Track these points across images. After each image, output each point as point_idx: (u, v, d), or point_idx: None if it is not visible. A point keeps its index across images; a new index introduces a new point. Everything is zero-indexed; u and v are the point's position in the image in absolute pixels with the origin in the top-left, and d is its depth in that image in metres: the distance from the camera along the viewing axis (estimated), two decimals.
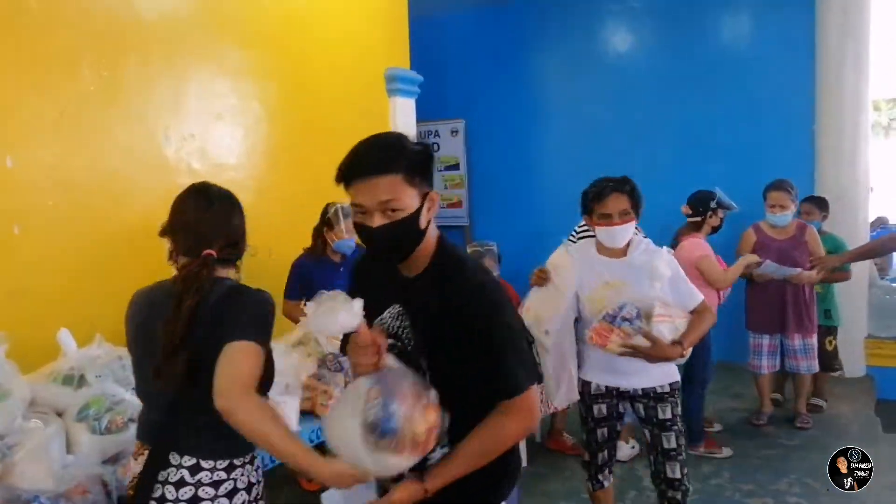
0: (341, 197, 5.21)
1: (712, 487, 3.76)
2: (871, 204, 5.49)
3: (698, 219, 4.13)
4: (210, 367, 1.53)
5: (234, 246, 1.78)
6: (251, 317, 1.61)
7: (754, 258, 4.15)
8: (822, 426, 4.55)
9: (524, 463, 4.07)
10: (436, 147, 7.35)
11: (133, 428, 2.34)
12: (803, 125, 5.66)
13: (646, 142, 6.30)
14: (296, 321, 3.25)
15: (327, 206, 3.61)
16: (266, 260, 4.24)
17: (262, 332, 1.60)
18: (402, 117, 5.28)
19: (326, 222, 3.57)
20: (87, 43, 3.03)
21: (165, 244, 3.49)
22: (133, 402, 2.38)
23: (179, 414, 1.60)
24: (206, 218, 1.75)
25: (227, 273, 1.76)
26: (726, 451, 4.15)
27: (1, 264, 2.69)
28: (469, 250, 3.97)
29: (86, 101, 3.02)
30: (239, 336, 1.55)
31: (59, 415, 2.25)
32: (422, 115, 5.95)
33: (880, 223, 4.90)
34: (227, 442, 1.59)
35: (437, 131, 7.30)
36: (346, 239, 3.53)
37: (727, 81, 5.93)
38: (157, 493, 1.59)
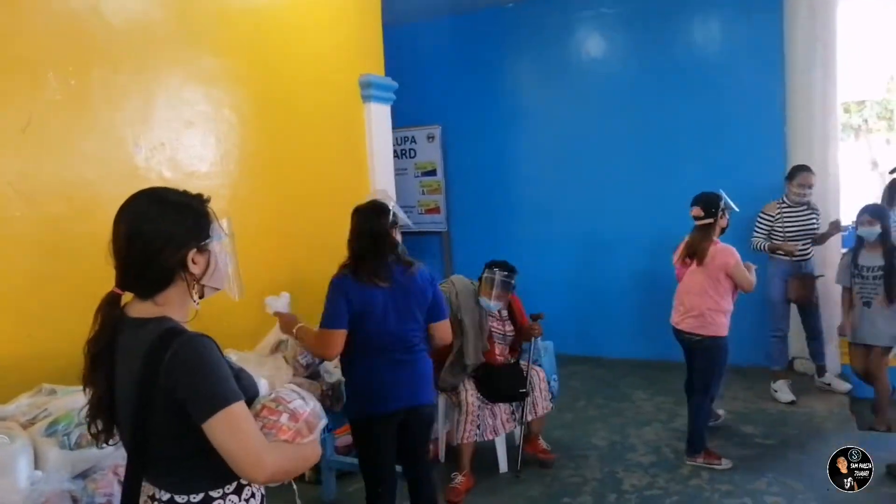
0: (316, 205, 5.20)
1: (691, 489, 3.78)
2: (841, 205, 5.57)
3: (710, 220, 4.02)
4: (152, 423, 1.40)
5: (139, 272, 1.47)
6: (205, 380, 1.39)
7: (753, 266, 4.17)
8: (797, 425, 4.60)
9: (503, 468, 4.07)
10: (412, 153, 7.35)
11: None
12: (774, 129, 5.75)
13: (619, 146, 6.35)
14: (330, 358, 2.85)
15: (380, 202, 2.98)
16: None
17: (223, 386, 1.40)
18: (378, 124, 5.27)
19: (392, 220, 2.90)
20: (54, 51, 2.97)
21: None
22: None
23: (141, 454, 1.46)
24: (112, 240, 1.49)
25: (150, 309, 1.48)
26: (725, 463, 4.02)
27: None
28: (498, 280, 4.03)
29: (53, 110, 2.96)
30: (210, 409, 1.37)
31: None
32: (398, 122, 5.95)
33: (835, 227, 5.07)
34: (197, 475, 1.47)
35: (413, 137, 7.30)
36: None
37: (699, 87, 6.00)
38: None
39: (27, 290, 2.80)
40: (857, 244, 4.63)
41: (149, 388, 1.38)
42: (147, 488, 1.50)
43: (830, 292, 5.20)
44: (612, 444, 4.46)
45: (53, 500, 2.07)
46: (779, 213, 5.10)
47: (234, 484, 1.51)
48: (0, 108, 2.76)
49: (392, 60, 5.56)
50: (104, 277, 3.22)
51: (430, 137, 7.23)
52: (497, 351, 4.12)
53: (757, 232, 5.17)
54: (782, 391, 5.08)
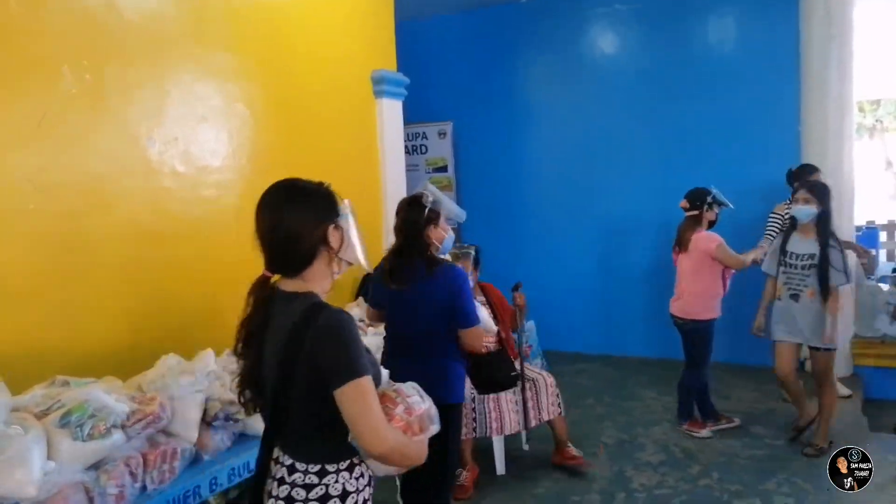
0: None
1: (700, 488, 3.76)
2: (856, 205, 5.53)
3: (696, 212, 4.35)
4: (291, 395, 1.57)
5: (286, 252, 1.65)
6: (346, 350, 1.54)
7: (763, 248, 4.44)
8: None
9: (500, 471, 4.03)
10: (424, 149, 7.35)
11: (115, 434, 2.33)
12: (789, 127, 5.71)
13: (632, 144, 6.33)
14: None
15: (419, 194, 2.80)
16: None
17: (359, 360, 1.55)
18: (389, 119, 5.28)
19: (429, 216, 2.72)
20: (70, 47, 3.00)
21: (149, 249, 3.48)
22: (115, 409, 2.36)
23: (275, 418, 1.62)
24: (258, 229, 1.67)
25: (299, 284, 1.66)
26: (705, 433, 4.41)
27: None
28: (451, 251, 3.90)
29: (68, 104, 2.98)
30: (347, 377, 1.51)
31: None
32: (409, 118, 5.96)
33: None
34: (318, 446, 1.62)
35: (424, 133, 7.30)
36: (449, 235, 2.83)
37: (713, 84, 5.96)
38: (268, 488, 1.65)
39: (43, 283, 2.83)
40: (790, 226, 4.20)
41: (294, 354, 1.55)
42: (274, 451, 1.67)
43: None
44: (620, 443, 4.45)
45: (66, 491, 2.10)
46: (787, 214, 4.87)
47: (348, 462, 1.63)
48: (16, 102, 2.79)
49: (404, 56, 5.56)
50: (118, 270, 3.25)
51: (442, 134, 7.22)
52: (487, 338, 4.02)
53: (769, 233, 5.06)
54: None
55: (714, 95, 5.95)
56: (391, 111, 5.31)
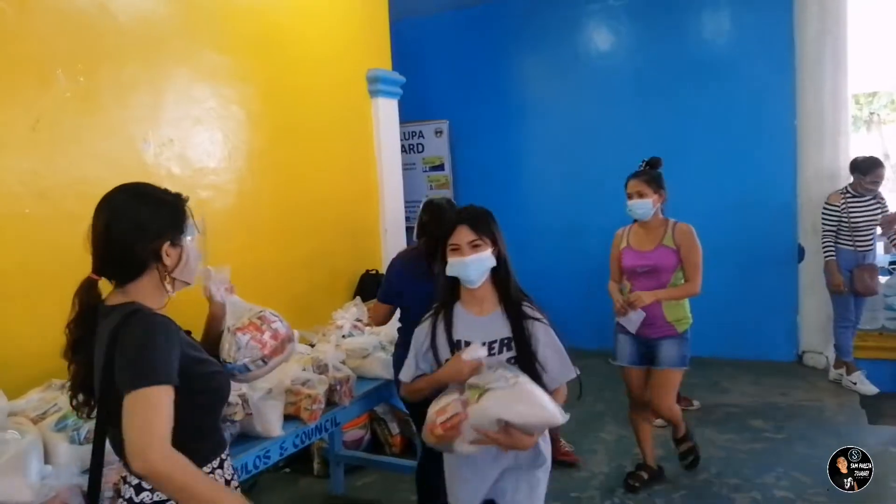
0: (324, 200, 5.19)
1: (699, 483, 3.77)
2: None
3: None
4: (112, 397, 1.46)
5: (114, 260, 1.55)
6: (141, 354, 1.42)
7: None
8: (808, 419, 4.58)
9: None
10: (420, 148, 7.35)
11: None
12: (784, 121, 5.71)
13: (627, 140, 6.32)
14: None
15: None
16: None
17: (156, 367, 1.41)
18: (385, 118, 5.28)
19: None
20: (64, 49, 2.99)
21: None
22: None
23: (102, 427, 1.55)
24: (91, 228, 1.58)
25: (124, 298, 1.56)
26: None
27: None
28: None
29: (62, 107, 2.98)
30: (131, 383, 1.39)
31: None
32: (405, 116, 5.95)
33: None
34: None
35: (421, 132, 7.29)
36: None
37: (708, 79, 5.96)
38: None
39: (38, 287, 2.83)
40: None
41: (110, 368, 1.46)
42: (120, 469, 1.58)
43: None
44: (619, 439, 4.45)
45: (63, 495, 2.09)
46: (843, 204, 4.96)
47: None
48: (10, 106, 2.78)
49: (399, 55, 5.56)
50: None
51: (438, 132, 7.22)
52: None
53: (826, 225, 5.04)
54: (862, 383, 4.98)
55: (709, 90, 5.96)
56: (387, 110, 5.31)
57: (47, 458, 2.13)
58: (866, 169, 4.89)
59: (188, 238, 1.62)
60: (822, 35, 5.35)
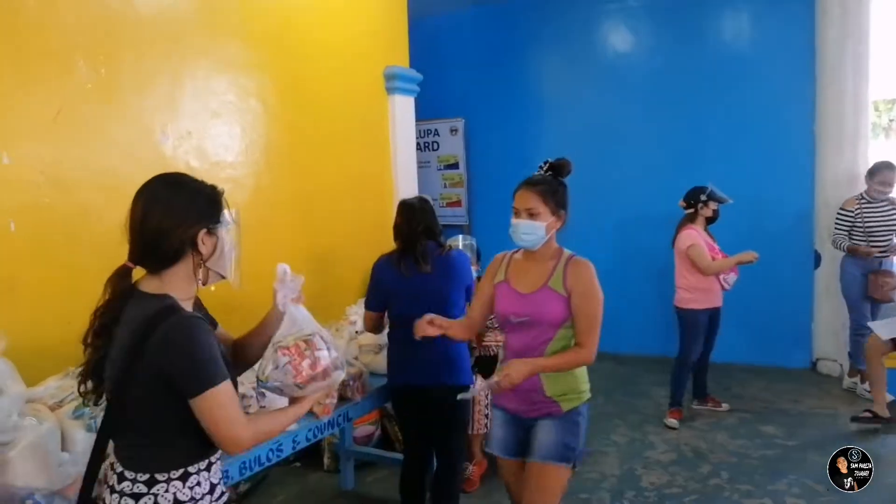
0: (339, 196, 5.20)
1: (710, 488, 3.75)
2: None
3: (691, 210, 4.70)
4: (131, 394, 1.50)
5: (151, 246, 1.56)
6: (193, 358, 1.49)
7: (751, 255, 4.52)
8: (820, 426, 4.54)
9: None
10: (435, 146, 7.35)
11: None
12: (804, 126, 5.66)
13: (644, 141, 6.30)
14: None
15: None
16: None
17: (210, 367, 1.50)
18: (402, 116, 5.27)
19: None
20: (84, 40, 3.01)
21: None
22: None
23: (112, 418, 1.56)
24: (129, 217, 1.59)
25: (157, 285, 1.58)
26: (671, 422, 4.67)
27: None
28: (449, 242, 3.92)
29: (83, 98, 2.99)
30: (198, 388, 1.48)
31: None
32: (421, 114, 5.95)
33: None
34: (147, 454, 1.55)
35: (436, 130, 7.29)
36: None
37: (727, 82, 5.92)
38: (102, 494, 1.63)
39: (57, 276, 2.85)
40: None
41: (137, 355, 1.48)
42: (110, 457, 1.61)
43: None
44: (630, 442, 4.44)
45: (81, 482, 2.11)
46: (858, 209, 4.96)
47: (181, 471, 1.56)
48: (32, 95, 2.80)
49: (416, 51, 5.56)
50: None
51: (454, 130, 7.22)
52: (495, 337, 4.05)
53: (837, 229, 5.06)
54: None
55: (728, 93, 5.92)
56: (403, 107, 5.31)
57: (64, 446, 2.15)
58: (874, 171, 4.93)
59: (224, 229, 1.64)
60: (843, 39, 5.30)
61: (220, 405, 1.50)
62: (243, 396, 2.81)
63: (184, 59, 3.53)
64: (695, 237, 4.59)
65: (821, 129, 5.56)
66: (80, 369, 1.63)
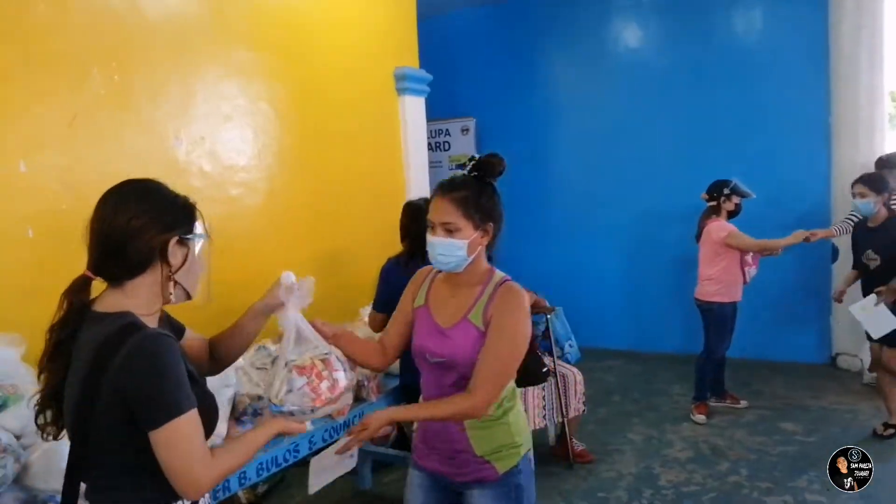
0: (352, 198, 5.22)
1: (729, 485, 3.72)
2: None
3: (714, 203, 4.67)
4: (93, 423, 1.32)
5: (113, 253, 1.39)
6: (159, 384, 1.29)
7: (804, 234, 4.57)
8: (841, 423, 4.49)
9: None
10: (446, 146, 7.35)
11: None
12: (819, 119, 5.60)
13: (657, 138, 6.26)
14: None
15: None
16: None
17: (177, 394, 1.31)
18: (412, 116, 5.28)
19: None
20: (98, 48, 3.04)
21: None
22: None
23: (80, 452, 1.37)
24: (92, 219, 1.44)
25: (119, 301, 1.40)
26: (699, 418, 4.64)
27: (16, 267, 2.71)
28: None
29: (97, 105, 3.03)
30: (160, 418, 1.28)
31: None
32: (432, 114, 5.95)
33: None
34: (117, 492, 1.38)
35: (447, 130, 7.29)
36: None
37: (740, 76, 5.87)
38: None
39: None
40: None
41: (95, 381, 1.31)
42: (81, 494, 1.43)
43: None
44: (648, 439, 4.41)
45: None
46: None
47: None
48: (48, 102, 2.84)
49: (426, 52, 5.56)
50: None
51: (465, 130, 7.22)
52: None
53: (846, 219, 4.92)
54: None
55: (742, 86, 5.87)
56: (414, 108, 5.31)
57: None
58: (891, 163, 4.80)
59: (196, 242, 1.48)
60: (857, 30, 5.24)
61: (179, 440, 1.29)
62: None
63: (195, 64, 3.56)
64: (728, 226, 4.57)
65: (836, 121, 5.50)
66: (36, 398, 1.44)
